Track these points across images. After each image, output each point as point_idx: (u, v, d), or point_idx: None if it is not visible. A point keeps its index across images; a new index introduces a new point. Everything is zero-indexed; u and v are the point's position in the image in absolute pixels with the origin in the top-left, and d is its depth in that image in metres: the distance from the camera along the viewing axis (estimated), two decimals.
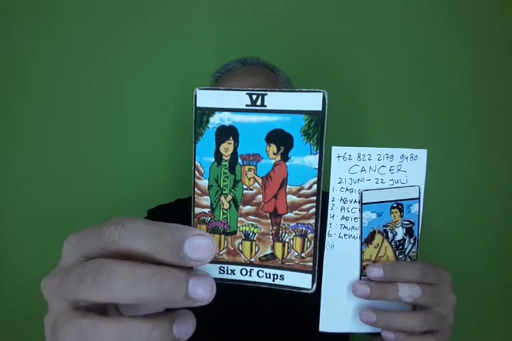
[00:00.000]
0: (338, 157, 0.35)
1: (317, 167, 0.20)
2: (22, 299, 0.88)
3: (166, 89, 0.91)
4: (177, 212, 0.71)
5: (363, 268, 0.38)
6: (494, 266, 0.88)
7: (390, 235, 0.37)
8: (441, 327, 0.37)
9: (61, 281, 0.21)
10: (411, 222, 0.37)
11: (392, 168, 0.36)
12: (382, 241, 0.37)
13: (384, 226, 0.37)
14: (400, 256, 0.38)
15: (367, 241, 0.37)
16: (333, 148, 0.35)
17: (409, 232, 0.37)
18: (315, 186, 0.20)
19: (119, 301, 0.19)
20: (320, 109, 0.19)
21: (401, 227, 0.37)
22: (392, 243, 0.37)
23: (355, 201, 0.36)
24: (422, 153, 0.36)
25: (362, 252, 0.37)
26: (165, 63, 0.90)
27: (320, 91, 0.20)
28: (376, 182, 0.36)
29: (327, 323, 0.39)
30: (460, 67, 0.89)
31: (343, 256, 0.37)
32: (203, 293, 0.19)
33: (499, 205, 0.88)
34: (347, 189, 0.36)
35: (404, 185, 0.37)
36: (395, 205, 0.36)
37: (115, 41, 0.90)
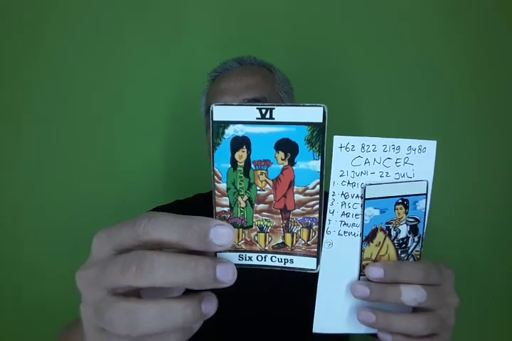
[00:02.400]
0: (341, 147, 0.32)
1: (319, 170, 0.24)
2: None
3: (163, 90, 0.89)
4: (177, 212, 0.69)
5: (362, 268, 0.35)
6: (496, 265, 0.87)
7: (393, 233, 0.34)
8: (442, 330, 0.35)
9: (100, 271, 0.24)
10: (416, 220, 0.34)
11: (398, 161, 0.33)
12: (384, 239, 0.34)
13: (387, 223, 0.34)
14: (403, 255, 0.35)
15: (368, 238, 0.34)
16: (335, 137, 0.32)
17: (413, 230, 0.35)
18: (318, 186, 0.24)
19: (160, 285, 0.22)
20: (321, 121, 0.23)
21: (405, 225, 0.34)
22: (395, 241, 0.35)
23: (357, 196, 0.33)
24: (431, 145, 0.33)
25: (362, 250, 0.35)
26: (164, 63, 0.89)
27: (320, 106, 0.23)
28: (380, 176, 0.33)
29: (321, 324, 0.37)
30: (462, 63, 0.87)
31: (341, 255, 0.34)
32: (227, 276, 0.23)
33: (501, 204, 0.87)
34: (349, 182, 0.33)
35: (410, 179, 0.34)
36: (400, 201, 0.34)
37: (115, 41, 0.88)
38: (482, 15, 0.86)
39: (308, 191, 0.24)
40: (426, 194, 0.34)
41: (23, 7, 0.85)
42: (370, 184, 0.33)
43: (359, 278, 0.35)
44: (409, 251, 0.35)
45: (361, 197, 0.33)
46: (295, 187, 0.24)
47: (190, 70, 0.88)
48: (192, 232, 0.22)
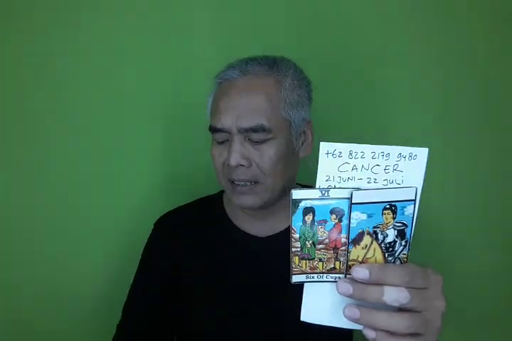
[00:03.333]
0: (327, 153, 0.33)
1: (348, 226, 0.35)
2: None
3: (160, 88, 0.86)
4: (183, 219, 0.72)
5: (348, 268, 0.36)
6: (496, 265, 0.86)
7: (380, 237, 0.35)
8: (426, 331, 0.36)
9: None
10: (404, 224, 0.35)
11: (387, 168, 0.33)
12: (372, 242, 0.35)
13: (374, 227, 0.34)
14: (390, 259, 0.36)
15: (354, 241, 0.35)
16: (322, 143, 0.32)
17: (401, 234, 0.35)
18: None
19: None
20: (350, 200, 0.34)
21: (392, 229, 0.35)
22: (382, 245, 0.35)
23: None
24: (422, 152, 0.33)
25: (348, 252, 0.36)
26: (164, 64, 0.86)
27: (350, 198, 0.34)
28: (368, 182, 0.33)
29: (308, 313, 0.39)
30: (461, 63, 0.83)
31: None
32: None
33: (500, 205, 0.84)
34: (335, 187, 0.34)
35: (399, 185, 0.34)
36: (387, 206, 0.34)
37: (114, 41, 0.85)
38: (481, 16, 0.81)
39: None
40: (414, 200, 0.34)
41: (21, 2, 0.83)
42: (358, 189, 0.33)
43: (345, 276, 0.37)
44: (396, 254, 0.36)
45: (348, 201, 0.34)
46: (342, 234, 0.36)
47: (190, 71, 0.86)
48: None
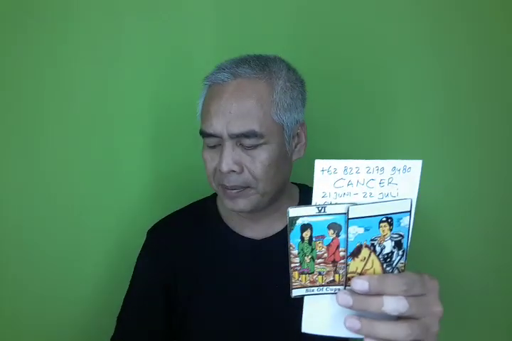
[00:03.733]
0: (322, 170, 0.32)
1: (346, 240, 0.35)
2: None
3: (153, 88, 0.85)
4: (181, 228, 0.71)
5: (347, 280, 0.36)
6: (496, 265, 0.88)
7: (378, 249, 0.35)
8: (426, 337, 0.37)
9: None
10: (400, 235, 0.35)
11: (382, 181, 0.33)
12: (369, 254, 0.35)
13: (372, 240, 0.35)
14: (388, 269, 0.36)
15: (353, 254, 0.35)
16: (317, 161, 0.32)
17: (398, 245, 0.35)
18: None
19: None
20: (347, 215, 0.34)
21: (390, 240, 0.35)
22: (380, 256, 0.35)
23: None
24: (416, 164, 0.33)
25: (347, 265, 0.36)
26: (156, 63, 0.85)
27: (346, 213, 0.34)
28: (364, 197, 0.33)
29: (309, 324, 0.39)
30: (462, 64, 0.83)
31: None
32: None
33: (499, 209, 0.86)
34: (330, 204, 0.33)
35: (394, 198, 0.34)
36: (384, 219, 0.34)
37: (110, 40, 0.84)
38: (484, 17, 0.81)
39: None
40: (410, 211, 0.34)
41: (21, 1, 0.81)
42: (354, 204, 0.33)
43: (345, 288, 0.37)
44: (394, 264, 0.36)
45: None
46: (340, 248, 0.36)
47: (187, 70, 0.84)
48: None
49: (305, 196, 0.70)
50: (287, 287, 0.64)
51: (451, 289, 0.82)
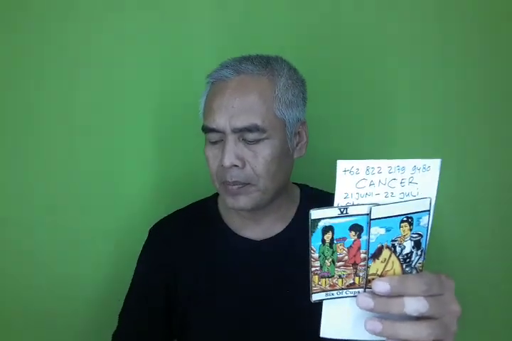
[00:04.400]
0: (345, 171, 0.32)
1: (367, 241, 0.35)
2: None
3: (154, 88, 0.85)
4: (180, 226, 0.71)
5: (367, 282, 0.36)
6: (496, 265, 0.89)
7: (398, 249, 0.35)
8: (445, 337, 0.37)
9: None
10: (419, 235, 0.35)
11: (403, 181, 0.33)
12: (390, 255, 0.35)
13: (392, 240, 0.34)
14: (407, 269, 0.36)
15: (374, 256, 0.35)
16: (339, 161, 0.32)
17: (417, 245, 0.35)
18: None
19: None
20: (369, 216, 0.34)
21: (409, 240, 0.35)
22: (400, 257, 0.35)
23: None
24: (435, 163, 0.33)
25: (368, 267, 0.35)
26: (165, 64, 0.85)
27: (368, 214, 0.34)
28: (385, 197, 0.33)
29: (328, 329, 0.38)
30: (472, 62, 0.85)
31: None
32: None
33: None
34: (353, 204, 0.33)
35: (415, 197, 0.34)
36: (404, 219, 0.34)
37: (111, 40, 0.83)
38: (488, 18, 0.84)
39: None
40: (429, 210, 0.34)
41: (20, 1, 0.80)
42: (376, 204, 0.33)
43: (364, 290, 0.36)
44: (413, 264, 0.36)
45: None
46: (361, 250, 0.35)
47: (189, 71, 0.84)
48: None
49: (305, 197, 0.70)
50: (287, 287, 0.64)
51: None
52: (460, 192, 0.87)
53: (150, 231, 0.73)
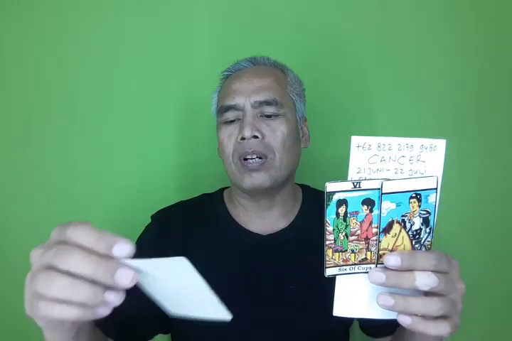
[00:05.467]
0: (358, 147, 0.35)
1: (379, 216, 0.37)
2: None
3: (168, 90, 0.89)
4: (179, 214, 0.72)
5: (379, 257, 0.38)
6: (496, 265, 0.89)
7: (408, 225, 0.37)
8: (453, 313, 0.38)
9: (42, 253, 0.33)
10: (428, 212, 0.37)
11: (411, 158, 0.36)
12: (400, 230, 0.37)
13: (402, 216, 0.37)
14: (416, 246, 0.38)
15: (385, 230, 0.37)
16: (353, 137, 0.35)
17: (425, 222, 0.38)
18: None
19: (74, 272, 0.30)
20: (380, 190, 0.37)
21: (418, 217, 0.37)
22: (410, 232, 0.37)
23: None
24: (440, 143, 0.36)
25: (379, 241, 0.38)
26: (167, 64, 0.89)
27: (380, 188, 0.36)
28: (395, 173, 0.36)
29: (341, 308, 0.40)
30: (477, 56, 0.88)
31: None
32: (120, 280, 0.31)
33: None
34: (365, 179, 0.36)
35: (422, 175, 0.37)
36: (413, 195, 0.36)
37: (115, 41, 0.88)
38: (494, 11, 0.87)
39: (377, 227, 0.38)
40: (436, 188, 0.37)
41: (21, 2, 0.85)
42: (387, 179, 0.36)
43: (376, 266, 0.38)
44: (422, 241, 0.38)
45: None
46: (373, 225, 0.38)
47: (198, 69, 0.88)
48: (100, 247, 0.31)
49: (308, 196, 0.73)
50: (290, 281, 0.64)
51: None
52: (460, 192, 0.88)
53: (153, 216, 0.72)
